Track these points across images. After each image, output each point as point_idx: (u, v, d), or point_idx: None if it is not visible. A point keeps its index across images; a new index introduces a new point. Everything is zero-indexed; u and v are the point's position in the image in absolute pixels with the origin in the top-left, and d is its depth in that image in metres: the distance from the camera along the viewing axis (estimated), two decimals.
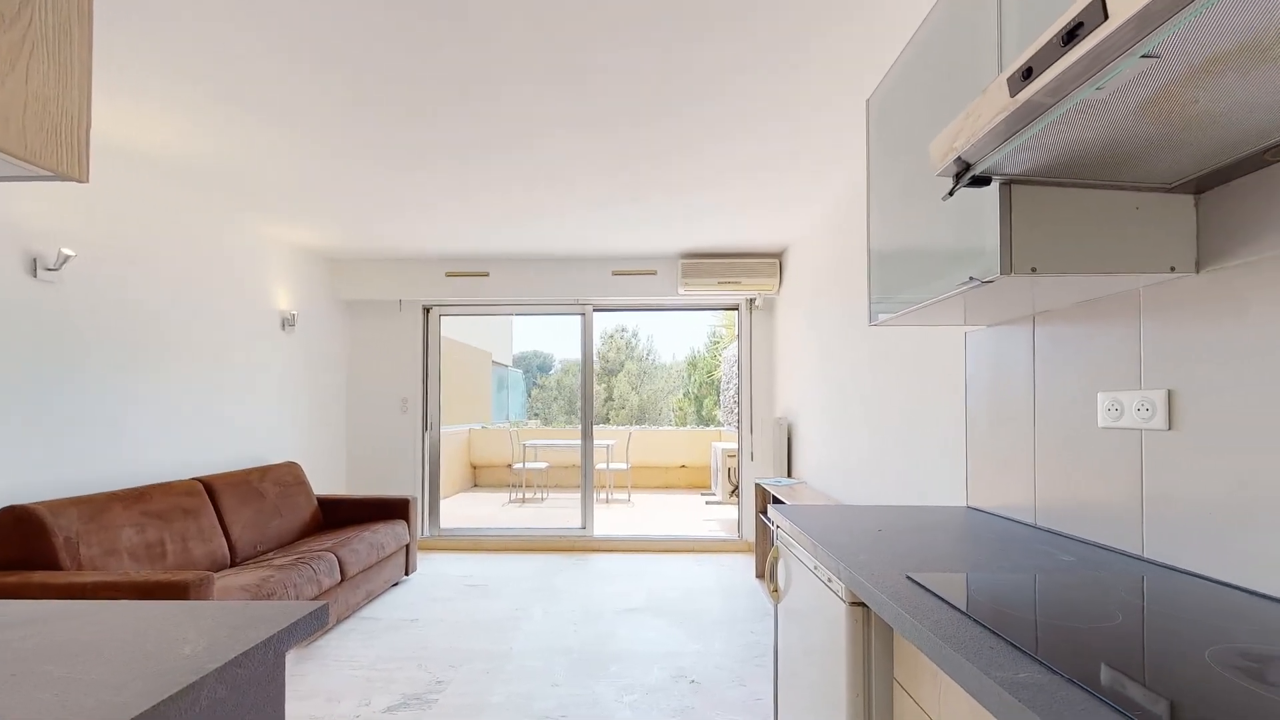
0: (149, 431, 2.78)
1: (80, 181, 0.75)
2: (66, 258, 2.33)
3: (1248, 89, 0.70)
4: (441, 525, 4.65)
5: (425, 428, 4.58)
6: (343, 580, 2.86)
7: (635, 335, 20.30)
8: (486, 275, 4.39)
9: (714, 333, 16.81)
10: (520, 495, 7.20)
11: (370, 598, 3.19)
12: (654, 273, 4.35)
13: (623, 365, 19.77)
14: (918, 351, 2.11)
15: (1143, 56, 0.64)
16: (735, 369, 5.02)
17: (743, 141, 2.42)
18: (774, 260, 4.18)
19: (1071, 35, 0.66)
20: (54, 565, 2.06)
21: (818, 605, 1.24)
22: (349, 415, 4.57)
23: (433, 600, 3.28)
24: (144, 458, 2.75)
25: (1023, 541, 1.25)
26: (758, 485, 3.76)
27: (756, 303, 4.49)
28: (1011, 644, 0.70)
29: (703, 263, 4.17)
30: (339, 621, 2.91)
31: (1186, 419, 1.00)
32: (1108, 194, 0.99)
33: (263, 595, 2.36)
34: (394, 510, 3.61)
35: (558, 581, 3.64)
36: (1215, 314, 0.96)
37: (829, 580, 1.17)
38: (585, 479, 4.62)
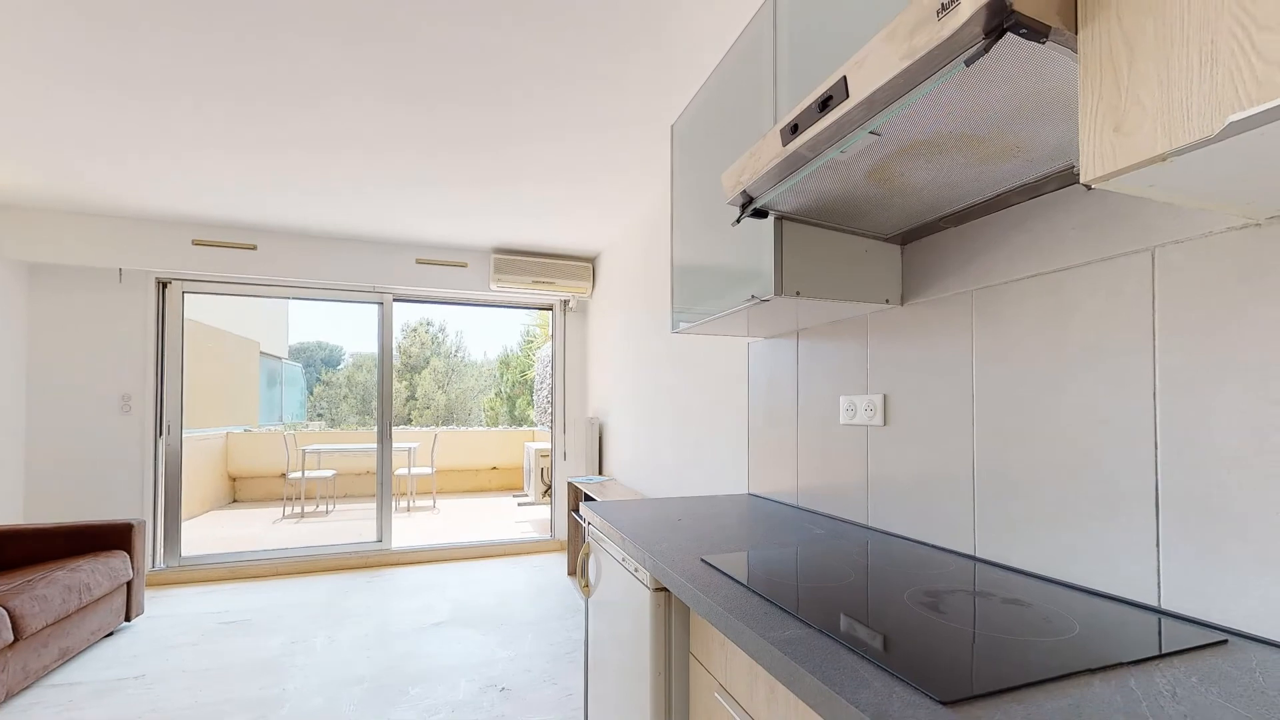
0: None
1: None
2: None
3: (931, 172, 0.94)
4: (184, 553, 3.78)
5: (160, 432, 3.67)
6: (18, 640, 2.15)
7: (443, 330, 19.02)
8: (254, 249, 3.68)
9: (528, 332, 16.60)
10: (298, 509, 6.22)
11: (67, 657, 2.45)
12: (465, 265, 4.13)
13: (428, 361, 18.36)
14: (713, 358, 2.37)
15: (870, 133, 0.82)
16: (549, 369, 5.04)
17: (562, 144, 2.44)
18: (588, 264, 4.29)
19: (825, 104, 0.81)
20: None
21: (625, 594, 1.32)
22: (30, 417, 3.43)
23: (168, 648, 2.65)
24: None
25: (789, 520, 1.49)
26: (570, 484, 3.84)
27: (570, 304, 4.57)
28: (780, 608, 0.83)
29: (517, 260, 4.09)
30: (11, 696, 2.18)
31: (896, 417, 1.30)
32: (848, 237, 1.24)
33: None
34: (107, 539, 2.82)
35: (347, 604, 3.24)
36: (911, 336, 1.26)
37: (635, 570, 1.25)
38: (382, 486, 4.19)
